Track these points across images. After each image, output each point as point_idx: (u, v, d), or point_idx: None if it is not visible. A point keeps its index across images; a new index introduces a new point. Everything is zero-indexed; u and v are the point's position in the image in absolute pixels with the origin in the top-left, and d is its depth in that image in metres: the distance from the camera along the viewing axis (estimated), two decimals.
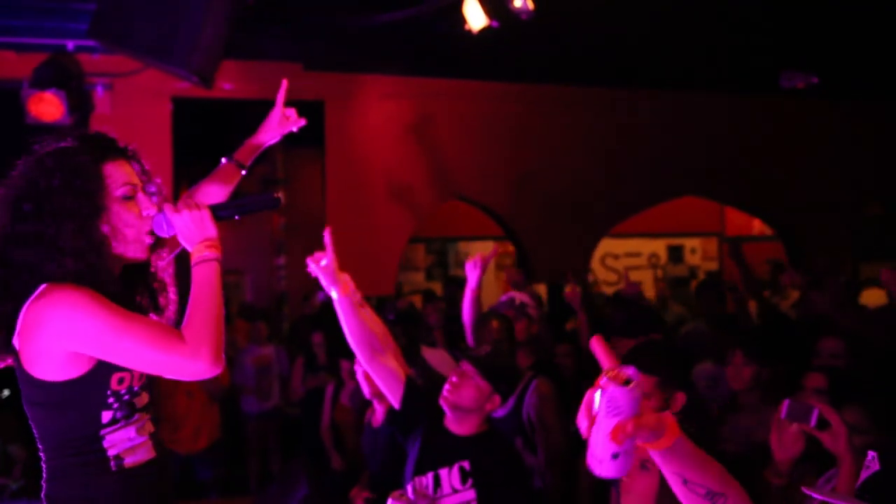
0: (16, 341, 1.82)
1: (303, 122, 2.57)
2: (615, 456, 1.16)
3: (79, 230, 1.85)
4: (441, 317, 5.63)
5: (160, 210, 1.98)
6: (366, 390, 3.61)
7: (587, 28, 5.26)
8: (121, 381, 1.87)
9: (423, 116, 5.91)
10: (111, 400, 1.87)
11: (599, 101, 6.11)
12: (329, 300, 7.79)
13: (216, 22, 4.81)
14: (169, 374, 1.84)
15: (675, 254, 10.62)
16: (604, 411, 1.16)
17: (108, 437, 1.87)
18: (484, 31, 4.83)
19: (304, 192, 9.31)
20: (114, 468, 1.88)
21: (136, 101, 5.30)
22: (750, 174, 6.62)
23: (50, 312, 1.78)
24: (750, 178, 6.63)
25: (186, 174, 5.76)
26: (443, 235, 9.70)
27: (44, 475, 1.89)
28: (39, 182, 1.88)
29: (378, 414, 4.05)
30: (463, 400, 2.77)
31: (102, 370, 1.84)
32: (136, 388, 1.92)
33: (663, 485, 2.17)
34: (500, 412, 3.43)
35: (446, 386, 2.80)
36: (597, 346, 1.22)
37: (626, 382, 1.14)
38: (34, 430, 1.90)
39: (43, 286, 1.80)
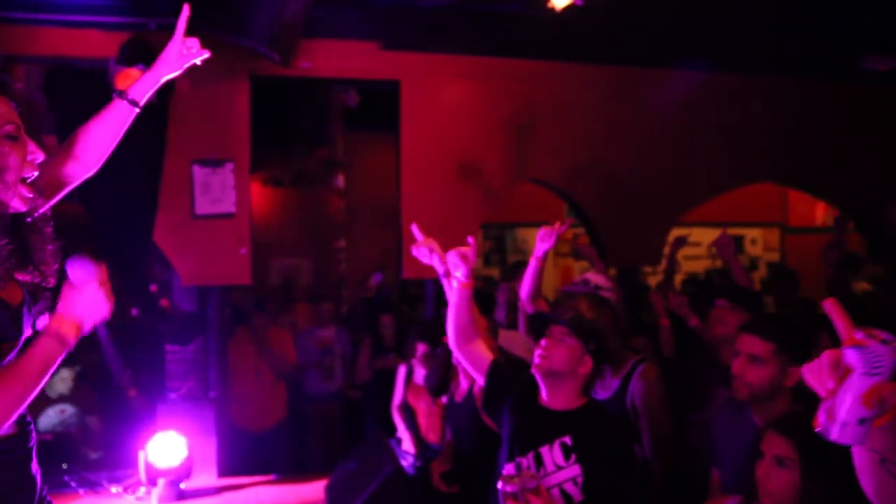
0: None
1: (206, 53, 2.35)
2: (862, 421, 1.08)
3: None
4: (511, 297, 5.59)
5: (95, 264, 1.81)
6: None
7: (665, 9, 5.15)
8: None
9: (500, 98, 5.85)
10: None
11: (675, 84, 5.99)
12: (384, 282, 7.74)
13: (296, 0, 4.81)
14: None
15: (736, 244, 10.42)
16: (861, 370, 1.07)
17: None
18: (566, 10, 4.75)
19: (365, 175, 9.33)
20: None
21: (216, 78, 5.32)
22: (829, 161, 6.44)
23: None
24: (829, 166, 6.46)
25: (263, 152, 5.79)
26: (501, 221, 9.64)
27: None
28: None
29: (462, 388, 4.03)
30: (555, 363, 2.71)
31: None
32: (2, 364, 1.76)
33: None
34: (602, 395, 3.38)
35: (537, 352, 2.75)
36: (832, 309, 1.15)
37: (885, 342, 1.06)
38: None
39: None
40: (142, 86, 2.31)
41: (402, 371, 5.55)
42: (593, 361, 2.73)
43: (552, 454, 2.66)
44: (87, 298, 1.79)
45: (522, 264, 8.44)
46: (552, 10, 4.75)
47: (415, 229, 3.10)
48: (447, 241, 3.00)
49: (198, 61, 2.35)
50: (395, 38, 5.51)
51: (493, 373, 2.88)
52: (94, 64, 4.91)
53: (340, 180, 9.46)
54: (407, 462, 5.15)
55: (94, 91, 4.90)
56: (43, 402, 5.86)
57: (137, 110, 2.28)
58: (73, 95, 5.19)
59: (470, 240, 2.87)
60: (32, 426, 1.92)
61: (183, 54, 2.32)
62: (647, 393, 3.34)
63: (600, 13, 4.96)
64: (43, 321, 1.79)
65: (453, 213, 5.64)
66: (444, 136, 5.75)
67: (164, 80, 2.31)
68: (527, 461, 2.67)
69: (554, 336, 2.73)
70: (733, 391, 2.73)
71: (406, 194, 5.70)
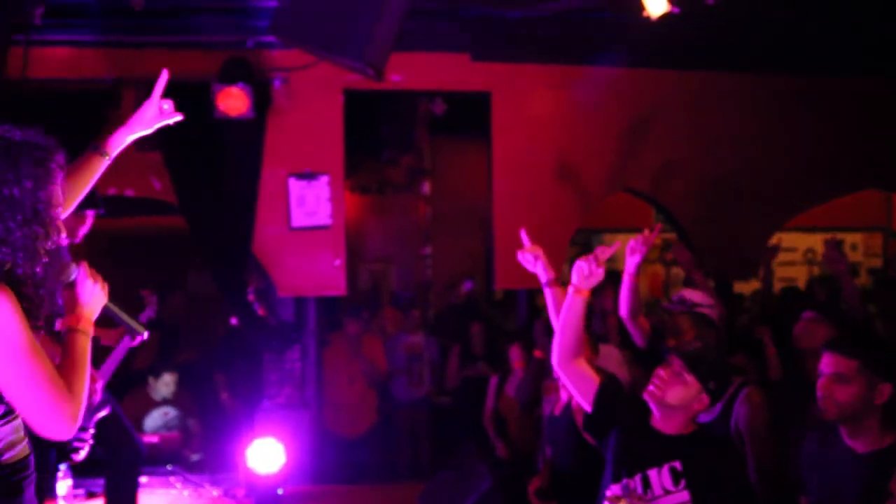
0: None
1: (179, 116, 2.53)
2: None
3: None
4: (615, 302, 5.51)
5: (78, 264, 1.99)
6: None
7: (764, 14, 5.00)
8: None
9: (591, 106, 5.79)
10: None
11: (775, 91, 5.80)
12: (473, 290, 7.75)
13: (390, 15, 4.87)
14: (37, 418, 1.78)
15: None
16: None
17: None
18: (662, 17, 4.66)
19: (451, 181, 9.36)
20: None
21: (310, 94, 5.45)
22: None
23: None
24: None
25: (350, 159, 5.90)
26: (587, 227, 9.53)
27: None
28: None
29: (561, 401, 4.00)
30: (669, 396, 2.67)
31: None
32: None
33: None
34: (705, 417, 3.30)
35: (653, 380, 2.71)
36: None
37: None
38: None
39: None
40: (116, 140, 2.47)
41: (493, 381, 5.56)
42: (710, 399, 2.67)
43: (660, 478, 2.62)
44: (88, 293, 1.98)
45: (609, 272, 8.34)
46: (647, 18, 4.67)
47: (523, 234, 3.09)
48: (542, 246, 2.98)
49: (171, 122, 2.54)
50: (485, 50, 5.52)
51: (603, 397, 2.81)
52: (196, 83, 5.09)
53: (426, 187, 9.53)
54: (500, 474, 5.15)
55: (196, 109, 5.07)
56: (148, 404, 6.13)
57: (108, 161, 2.44)
58: (178, 113, 5.39)
59: (605, 250, 2.76)
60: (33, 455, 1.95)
61: (158, 114, 2.51)
62: (752, 418, 3.24)
63: (698, 19, 4.85)
64: (59, 323, 1.98)
65: (546, 221, 5.61)
66: (536, 146, 5.73)
67: (136, 136, 2.50)
68: (634, 483, 2.64)
69: (672, 369, 2.67)
70: (820, 412, 2.63)
71: (498, 204, 5.71)
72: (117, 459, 4.21)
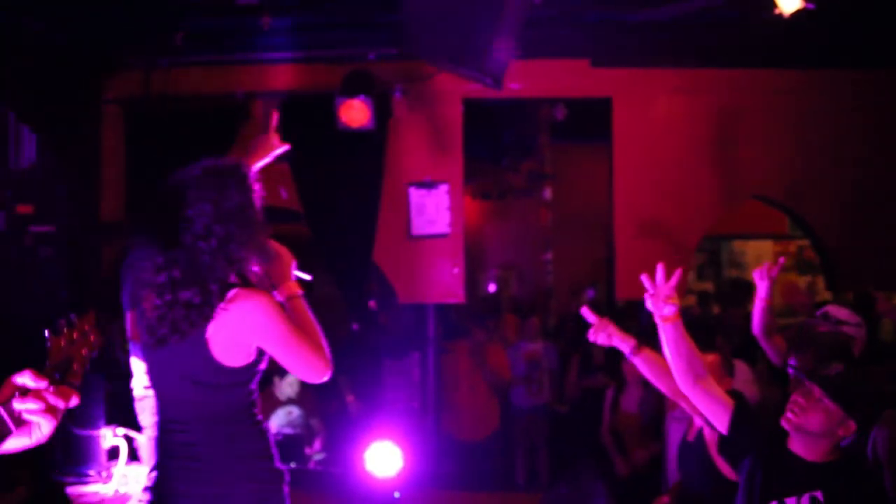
0: (209, 332, 2.19)
1: (287, 146, 3.04)
2: None
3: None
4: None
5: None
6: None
7: None
8: (264, 363, 2.33)
9: (716, 110, 5.56)
10: (257, 378, 2.34)
11: None
12: (596, 299, 7.63)
13: (508, 25, 4.87)
14: (306, 371, 2.30)
15: None
16: None
17: (255, 402, 2.35)
18: (794, 14, 4.42)
19: (572, 187, 9.25)
20: (262, 428, 2.35)
21: (430, 104, 5.53)
22: None
23: (250, 314, 2.20)
24: None
25: (471, 165, 5.93)
26: (716, 233, 9.16)
27: (211, 450, 2.26)
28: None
29: (694, 427, 3.86)
30: (809, 424, 2.51)
31: (260, 356, 2.29)
32: (262, 370, 2.37)
33: None
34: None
35: (790, 407, 2.56)
36: None
37: None
38: (188, 408, 2.28)
39: (234, 290, 2.22)
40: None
41: (609, 394, 5.44)
42: (857, 426, 2.50)
43: None
44: (287, 265, 2.44)
45: (740, 283, 7.97)
46: (778, 15, 4.43)
47: (585, 312, 3.03)
48: (664, 256, 2.87)
49: (279, 151, 3.01)
50: (606, 55, 5.42)
51: (738, 421, 2.67)
52: (320, 96, 5.28)
53: (547, 192, 9.47)
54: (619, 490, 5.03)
55: (320, 121, 5.26)
56: (273, 403, 6.40)
57: None
58: (302, 126, 5.62)
59: (671, 275, 2.66)
60: None
61: (271, 148, 3.04)
62: (894, 443, 3.01)
63: (833, 14, 4.56)
64: (278, 294, 2.40)
65: (669, 229, 5.43)
66: (658, 151, 5.56)
67: (259, 164, 2.96)
68: None
69: (811, 396, 2.52)
70: None
71: (619, 211, 5.58)
72: None
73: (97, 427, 5.48)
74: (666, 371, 2.79)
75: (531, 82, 5.56)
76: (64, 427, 5.35)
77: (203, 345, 2.19)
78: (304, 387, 6.54)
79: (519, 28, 4.79)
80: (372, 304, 5.86)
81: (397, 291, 5.64)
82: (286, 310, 2.34)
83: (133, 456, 5.38)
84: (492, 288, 9.55)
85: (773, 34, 4.70)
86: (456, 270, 5.61)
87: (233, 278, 2.26)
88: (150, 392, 3.90)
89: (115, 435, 5.47)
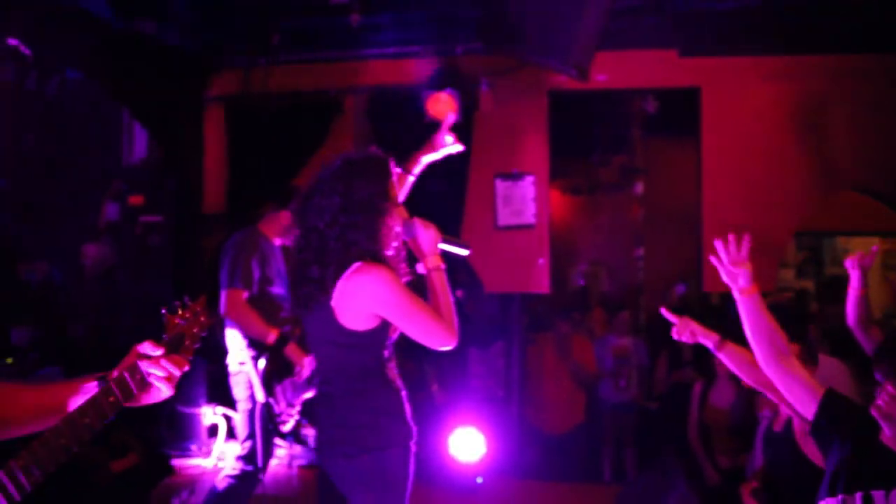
0: (333, 301, 2.49)
1: (461, 146, 3.22)
2: None
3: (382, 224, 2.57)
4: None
5: (412, 220, 2.64)
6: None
7: None
8: (394, 331, 2.57)
9: (811, 99, 5.38)
10: (388, 342, 2.57)
11: None
12: (687, 294, 7.46)
13: (593, 16, 4.88)
14: (427, 339, 2.51)
15: None
16: None
17: (387, 365, 2.57)
18: None
19: (665, 182, 9.09)
20: (394, 387, 2.58)
21: (516, 96, 5.59)
22: None
23: (367, 285, 2.46)
24: None
25: (561, 160, 5.97)
26: (817, 229, 8.80)
27: (346, 397, 2.56)
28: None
29: (781, 416, 3.78)
30: None
31: (385, 324, 2.53)
32: (395, 338, 2.61)
33: None
34: None
35: (881, 396, 2.49)
36: None
37: None
38: (335, 365, 2.59)
39: (356, 263, 2.48)
40: (416, 162, 3.20)
41: (697, 389, 5.35)
42: None
43: (888, 501, 2.40)
44: (428, 239, 2.65)
45: (839, 280, 7.63)
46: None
47: (665, 312, 3.07)
48: (754, 249, 2.82)
49: (455, 150, 3.18)
50: (694, 44, 5.34)
51: (829, 407, 2.63)
52: (409, 90, 5.43)
53: (639, 187, 9.33)
54: (702, 484, 4.95)
55: (408, 114, 5.41)
56: None
57: (412, 179, 3.22)
58: (392, 119, 5.80)
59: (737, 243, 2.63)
60: None
61: (445, 144, 3.19)
62: None
63: None
64: (421, 267, 2.66)
65: (761, 221, 5.29)
66: (749, 142, 5.43)
67: (429, 160, 3.21)
68: (854, 501, 2.45)
69: None
70: None
71: (708, 203, 5.49)
72: None
73: (199, 405, 5.84)
74: (751, 363, 2.74)
75: (618, 74, 5.54)
76: (169, 405, 5.72)
77: (330, 312, 2.51)
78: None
79: (604, 19, 4.80)
80: (458, 293, 5.96)
81: (483, 281, 5.74)
82: (427, 280, 2.61)
83: (231, 433, 5.70)
84: (580, 282, 9.50)
85: (867, 16, 4.53)
86: (541, 261, 5.66)
87: (358, 256, 2.51)
88: (244, 368, 4.17)
89: (215, 413, 5.81)
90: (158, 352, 1.61)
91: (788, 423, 3.74)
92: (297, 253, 2.62)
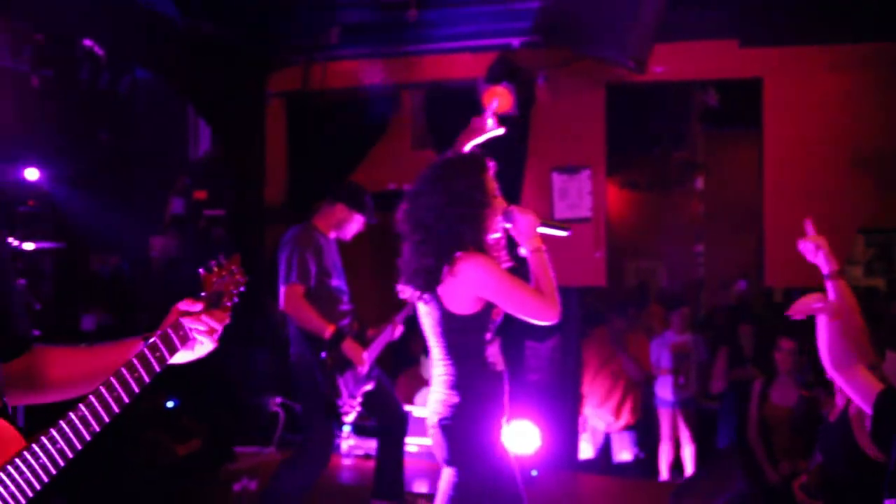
0: (440, 288, 2.76)
1: (501, 130, 3.57)
2: None
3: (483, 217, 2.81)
4: None
5: (510, 208, 2.87)
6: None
7: None
8: (496, 315, 2.83)
9: (879, 88, 5.22)
10: (490, 326, 2.82)
11: None
12: (747, 290, 7.29)
13: (651, 7, 4.84)
14: (529, 315, 2.75)
15: None
16: None
17: (486, 349, 2.82)
18: None
19: (726, 177, 8.93)
20: (492, 371, 2.82)
21: (573, 89, 5.58)
22: None
23: (469, 272, 2.71)
24: None
25: (619, 155, 5.93)
26: (886, 226, 8.50)
27: (450, 377, 2.81)
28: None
29: (836, 407, 3.71)
30: None
31: (488, 307, 2.78)
32: (498, 322, 2.86)
33: None
34: None
35: None
36: None
37: None
38: (443, 348, 2.83)
39: (458, 253, 2.74)
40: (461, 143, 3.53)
41: (757, 387, 5.24)
42: None
43: None
44: (526, 224, 2.86)
45: None
46: None
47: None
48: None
49: (493, 133, 3.38)
50: (755, 34, 5.23)
51: (883, 402, 2.57)
52: (465, 84, 5.47)
53: (699, 182, 9.18)
54: (761, 483, 4.86)
55: (465, 109, 5.45)
56: (419, 382, 6.68)
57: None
58: (448, 114, 5.84)
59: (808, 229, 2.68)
60: None
61: (484, 128, 3.50)
62: None
63: None
64: (521, 251, 2.88)
65: (824, 217, 5.13)
66: (813, 134, 5.30)
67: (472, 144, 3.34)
68: None
69: None
70: None
71: (769, 198, 5.37)
72: (385, 427, 4.67)
73: (262, 396, 5.99)
74: (845, 327, 2.69)
75: (676, 65, 5.47)
76: (233, 394, 5.89)
77: (438, 299, 2.79)
78: None
79: (661, 9, 4.75)
80: None
81: None
82: (528, 262, 2.86)
83: (292, 423, 5.83)
84: (638, 278, 9.39)
85: None
86: (598, 255, 5.64)
87: (461, 246, 2.76)
88: (307, 360, 4.25)
89: (277, 403, 5.95)
90: (198, 307, 1.71)
91: (844, 413, 3.66)
92: (407, 247, 2.90)
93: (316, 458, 4.20)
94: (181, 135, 6.33)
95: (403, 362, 6.97)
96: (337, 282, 4.37)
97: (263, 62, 6.16)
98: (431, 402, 2.90)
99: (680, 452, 6.85)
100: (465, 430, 2.78)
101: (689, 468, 6.46)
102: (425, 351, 6.63)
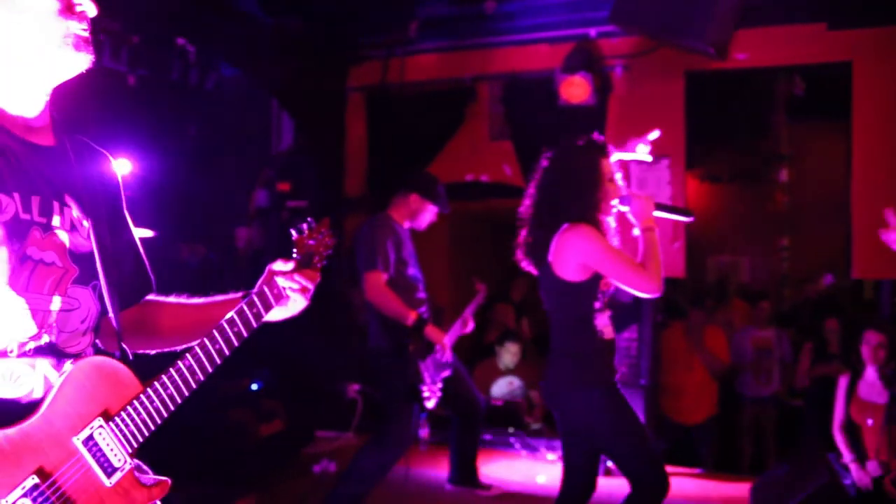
0: (550, 256, 3.03)
1: (649, 159, 3.85)
2: None
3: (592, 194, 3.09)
4: None
5: (626, 190, 3.14)
6: None
7: None
8: (606, 285, 3.06)
9: None
10: (599, 295, 3.05)
11: None
12: (835, 285, 7.04)
13: None
14: (631, 286, 2.97)
15: None
16: None
17: (595, 316, 3.04)
18: None
19: (812, 168, 8.65)
20: (598, 335, 3.05)
21: (651, 78, 5.51)
22: None
23: (573, 241, 2.98)
24: None
25: (700, 147, 5.83)
26: None
27: (561, 343, 3.09)
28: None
29: None
30: None
31: (596, 276, 3.01)
32: (609, 292, 3.09)
33: None
34: None
35: None
36: None
37: None
38: (555, 314, 3.11)
39: (565, 224, 3.01)
40: None
41: (843, 382, 5.07)
42: None
43: None
44: (641, 206, 3.09)
45: None
46: None
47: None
48: None
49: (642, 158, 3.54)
50: (845, 16, 5.05)
51: None
52: (542, 75, 5.47)
53: (784, 174, 8.91)
54: (848, 481, 4.71)
55: (542, 99, 5.46)
56: (495, 373, 6.72)
57: None
58: (526, 104, 5.86)
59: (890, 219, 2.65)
60: None
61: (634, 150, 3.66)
62: None
63: None
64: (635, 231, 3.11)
65: None
66: None
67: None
68: None
69: None
70: None
71: (858, 187, 5.19)
72: (461, 414, 4.73)
73: (340, 383, 6.15)
74: None
75: (759, 51, 5.33)
76: (314, 380, 6.06)
77: (549, 267, 3.06)
78: (524, 359, 6.81)
79: None
80: None
81: None
82: (639, 240, 3.06)
83: (370, 411, 5.96)
84: (719, 274, 9.18)
85: None
86: (677, 245, 5.56)
87: (569, 220, 3.01)
88: (388, 348, 4.35)
89: (358, 391, 6.10)
90: (290, 266, 1.80)
91: None
92: (526, 220, 3.18)
93: (396, 442, 4.26)
94: (265, 129, 6.55)
95: (480, 354, 7.03)
96: (413, 271, 4.45)
97: (344, 57, 6.31)
98: (547, 366, 3.15)
99: (760, 448, 6.69)
100: (576, 396, 3.01)
101: (769, 464, 6.31)
102: (500, 341, 6.72)
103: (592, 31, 5.55)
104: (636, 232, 3.09)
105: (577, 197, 3.06)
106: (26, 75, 1.48)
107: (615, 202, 3.15)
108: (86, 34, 1.50)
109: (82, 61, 1.50)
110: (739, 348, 6.71)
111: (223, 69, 5.80)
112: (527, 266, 3.20)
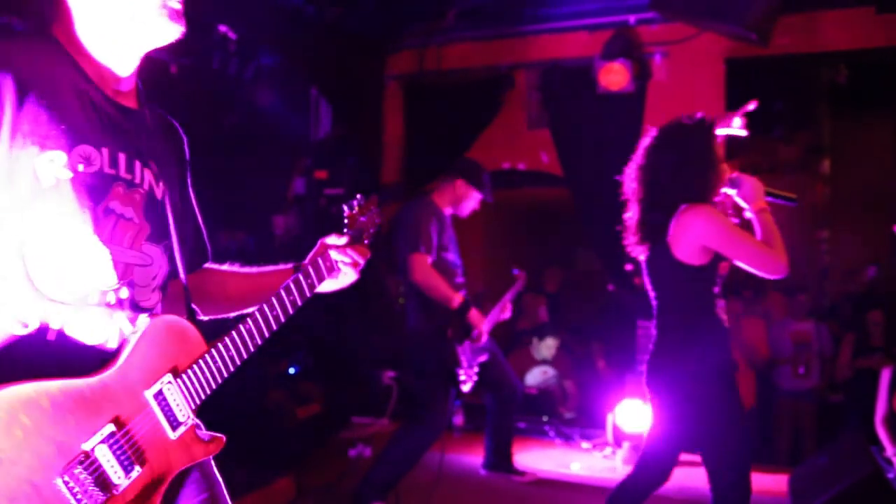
0: (669, 238, 2.89)
1: (744, 133, 3.38)
2: None
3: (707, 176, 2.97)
4: None
5: (737, 175, 3.01)
6: None
7: None
8: (722, 269, 2.94)
9: None
10: (718, 280, 2.93)
11: None
12: (877, 277, 6.92)
13: None
14: (757, 266, 2.82)
15: None
16: None
17: (716, 302, 2.92)
18: None
19: (854, 161, 8.48)
20: (719, 322, 2.91)
21: (691, 65, 5.46)
22: None
23: (695, 221, 2.85)
24: None
25: (743, 143, 5.75)
26: None
27: (678, 328, 2.95)
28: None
29: None
30: None
31: (716, 259, 2.89)
32: (724, 276, 2.97)
33: None
34: None
35: None
36: None
37: None
38: (672, 299, 2.97)
39: (683, 205, 2.89)
40: None
41: (885, 375, 4.99)
42: None
43: None
44: (751, 189, 2.99)
45: None
46: None
47: None
48: None
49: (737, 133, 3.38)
50: None
51: None
52: (580, 63, 5.45)
53: (825, 166, 8.75)
54: (892, 474, 4.63)
55: (580, 87, 5.43)
56: (530, 362, 6.73)
57: None
58: (562, 92, 5.84)
59: None
60: None
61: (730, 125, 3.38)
62: None
63: None
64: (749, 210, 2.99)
65: None
66: None
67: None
68: None
69: None
70: None
71: None
72: (497, 400, 4.74)
73: (376, 369, 6.20)
74: None
75: (803, 37, 5.25)
76: (350, 366, 6.12)
77: (667, 248, 2.93)
78: (559, 350, 6.80)
79: None
80: (628, 266, 5.91)
81: None
82: (754, 222, 2.98)
83: (405, 397, 6.00)
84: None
85: None
86: None
87: (685, 201, 2.92)
88: (425, 333, 4.36)
89: (389, 377, 6.14)
90: (343, 241, 1.87)
91: None
92: (633, 206, 3.09)
93: (432, 426, 4.27)
94: (303, 117, 6.61)
95: (515, 343, 7.04)
96: (453, 256, 4.46)
97: (382, 46, 6.35)
98: (654, 352, 3.00)
99: (797, 444, 6.60)
100: (689, 383, 2.90)
101: (807, 457, 6.22)
102: (538, 332, 6.71)
103: (632, 18, 5.51)
104: (748, 215, 3.00)
105: (697, 176, 2.95)
106: (123, 38, 1.56)
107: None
108: (179, 7, 1.59)
109: (174, 31, 1.59)
110: (777, 341, 6.62)
111: (262, 58, 5.87)
112: (633, 250, 3.09)
